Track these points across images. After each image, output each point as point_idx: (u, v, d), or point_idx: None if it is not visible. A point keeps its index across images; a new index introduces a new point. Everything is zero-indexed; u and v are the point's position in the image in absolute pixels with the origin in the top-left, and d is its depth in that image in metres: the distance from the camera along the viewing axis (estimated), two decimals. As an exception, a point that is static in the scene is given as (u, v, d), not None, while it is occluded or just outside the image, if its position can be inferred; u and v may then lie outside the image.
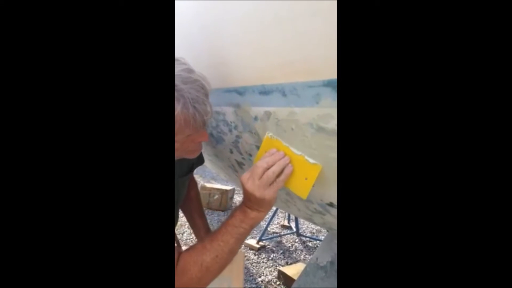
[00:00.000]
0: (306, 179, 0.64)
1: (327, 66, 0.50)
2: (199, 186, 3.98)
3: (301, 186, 0.66)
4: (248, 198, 0.64)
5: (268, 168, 0.63)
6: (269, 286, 2.43)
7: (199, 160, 1.09)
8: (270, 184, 0.62)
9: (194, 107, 0.63)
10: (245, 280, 2.46)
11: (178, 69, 0.63)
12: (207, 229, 1.08)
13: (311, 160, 0.63)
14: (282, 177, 0.64)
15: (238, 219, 0.66)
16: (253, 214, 0.65)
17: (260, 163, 0.63)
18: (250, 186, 0.62)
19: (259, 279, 2.49)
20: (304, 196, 0.66)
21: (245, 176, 0.64)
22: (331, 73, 0.49)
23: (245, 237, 0.68)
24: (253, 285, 2.42)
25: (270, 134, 0.71)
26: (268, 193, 0.62)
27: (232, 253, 0.66)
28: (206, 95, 0.66)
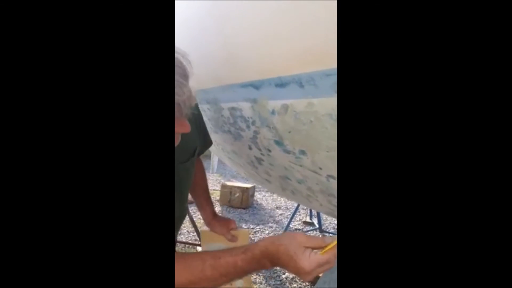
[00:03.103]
0: None
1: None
2: (219, 185, 3.99)
3: None
4: (287, 264, 0.58)
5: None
6: (293, 282, 2.41)
7: (205, 143, 1.05)
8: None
9: None
10: (269, 277, 2.45)
11: None
12: (214, 214, 1.16)
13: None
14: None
15: (249, 266, 0.61)
16: (268, 266, 0.61)
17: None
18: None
19: (283, 276, 2.48)
20: None
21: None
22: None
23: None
24: (278, 282, 2.41)
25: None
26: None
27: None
28: (184, 76, 0.55)
